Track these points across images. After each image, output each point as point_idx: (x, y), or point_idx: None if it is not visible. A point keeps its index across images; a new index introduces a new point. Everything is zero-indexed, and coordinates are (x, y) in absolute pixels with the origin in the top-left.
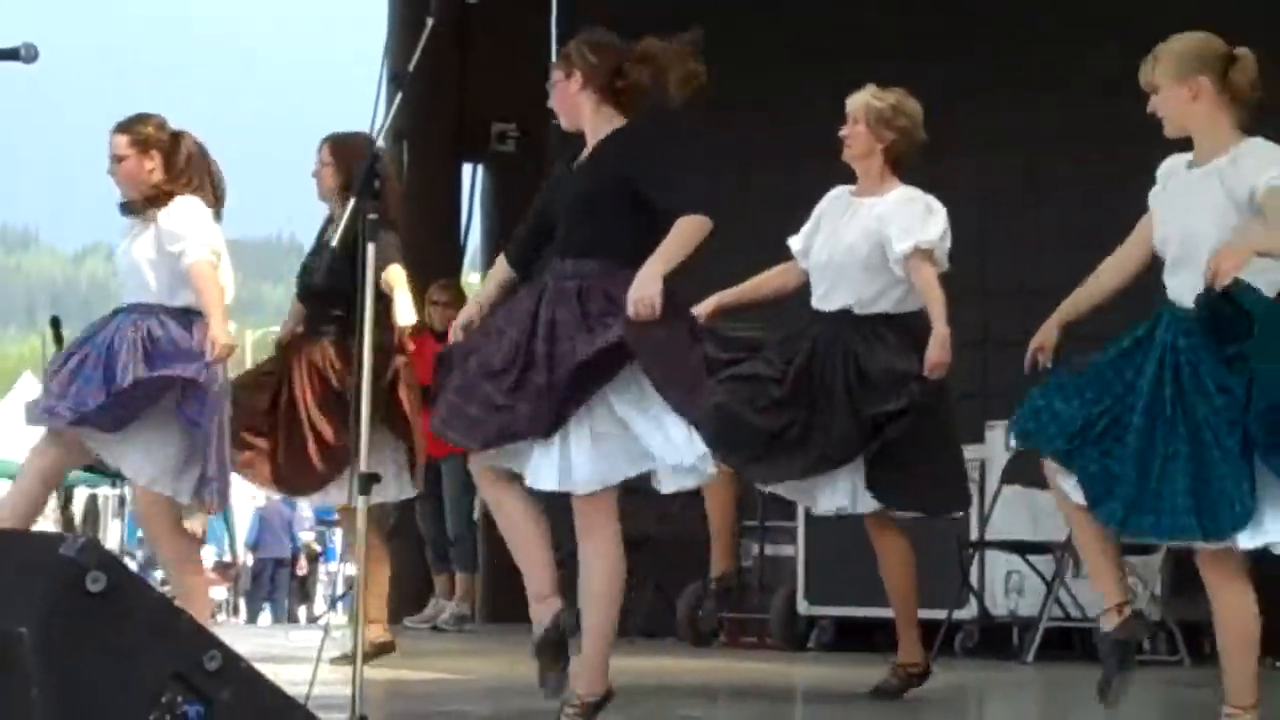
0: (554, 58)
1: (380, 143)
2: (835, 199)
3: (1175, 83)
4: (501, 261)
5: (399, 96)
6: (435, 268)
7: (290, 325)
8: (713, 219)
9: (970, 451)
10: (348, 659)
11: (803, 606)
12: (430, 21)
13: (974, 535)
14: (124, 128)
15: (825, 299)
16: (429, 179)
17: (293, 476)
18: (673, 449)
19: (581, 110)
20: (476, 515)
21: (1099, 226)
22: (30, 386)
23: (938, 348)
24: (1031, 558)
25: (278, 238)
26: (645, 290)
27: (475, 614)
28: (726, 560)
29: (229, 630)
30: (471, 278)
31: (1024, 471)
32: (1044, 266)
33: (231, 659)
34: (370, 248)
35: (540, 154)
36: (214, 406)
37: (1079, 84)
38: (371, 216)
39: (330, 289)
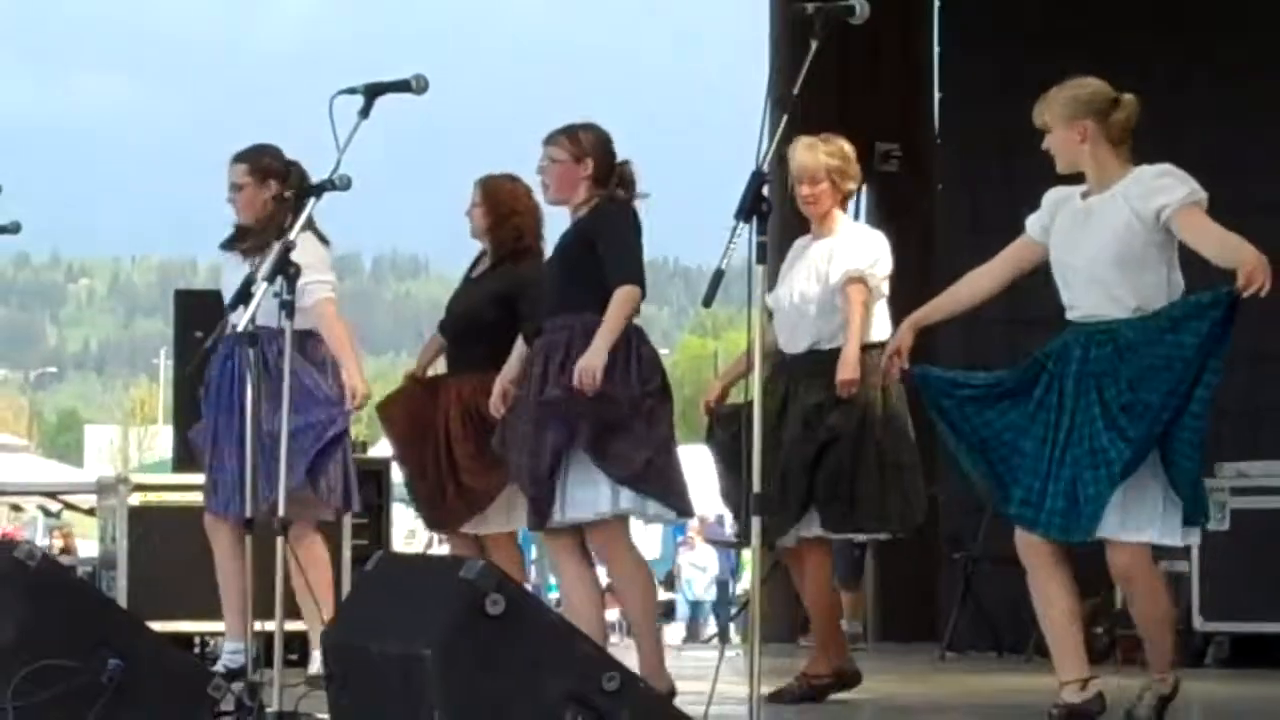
0: (937, 77)
1: (765, 166)
2: (794, 249)
3: (1064, 125)
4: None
5: (784, 119)
6: None
7: (429, 357)
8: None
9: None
10: None
11: (1198, 622)
12: (814, 44)
13: None
14: (238, 157)
15: (787, 343)
16: None
17: (436, 514)
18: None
19: (578, 191)
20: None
21: None
22: None
23: (845, 367)
24: None
25: (663, 260)
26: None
27: (867, 632)
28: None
29: (625, 652)
30: None
31: None
32: None
33: (630, 680)
34: (759, 270)
35: (924, 173)
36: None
37: None
38: (762, 239)
39: (475, 323)
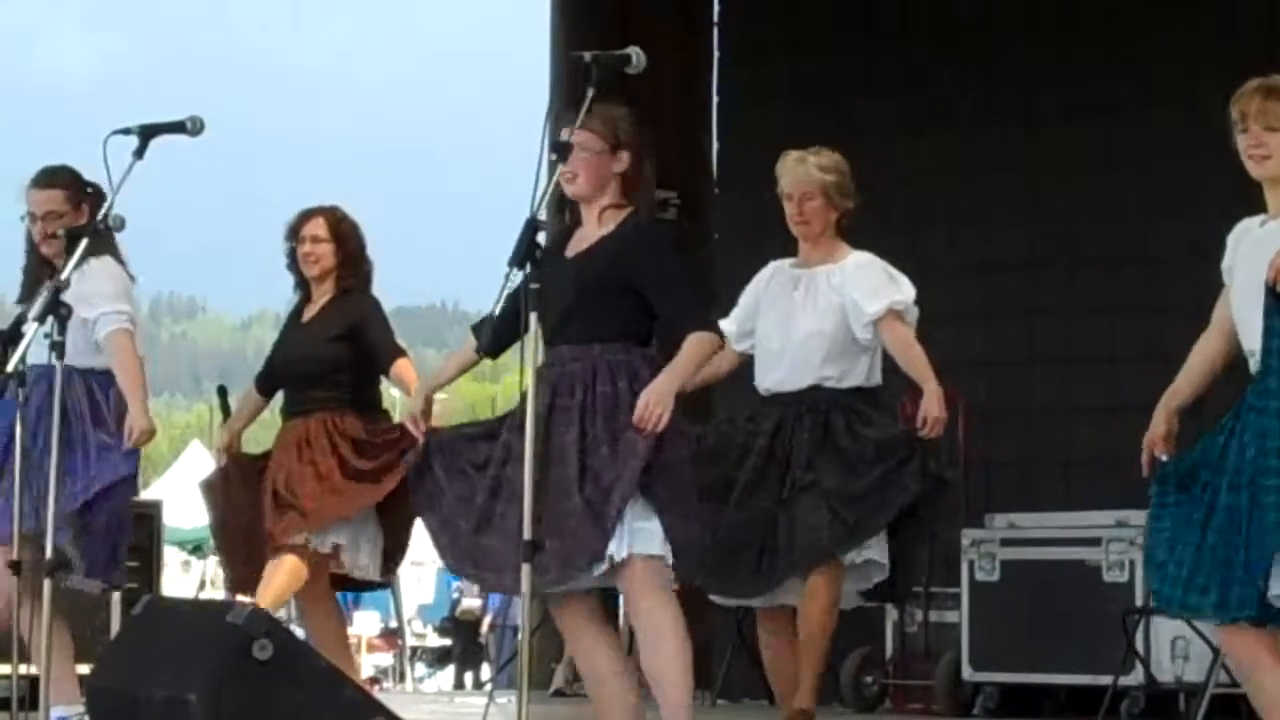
0: (715, 126)
1: (542, 213)
2: (769, 277)
3: None
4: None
5: (560, 166)
6: None
7: (244, 422)
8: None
9: (1137, 517)
10: None
11: (967, 672)
12: (590, 92)
13: (1139, 601)
14: (53, 181)
15: (786, 380)
16: None
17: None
18: None
19: (607, 187)
20: None
21: None
22: (198, 454)
23: (935, 403)
24: (1198, 623)
25: (442, 304)
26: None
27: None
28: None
29: (395, 697)
30: None
31: None
32: None
33: None
34: (533, 317)
35: (702, 221)
36: None
37: None
38: (535, 285)
39: (321, 364)
